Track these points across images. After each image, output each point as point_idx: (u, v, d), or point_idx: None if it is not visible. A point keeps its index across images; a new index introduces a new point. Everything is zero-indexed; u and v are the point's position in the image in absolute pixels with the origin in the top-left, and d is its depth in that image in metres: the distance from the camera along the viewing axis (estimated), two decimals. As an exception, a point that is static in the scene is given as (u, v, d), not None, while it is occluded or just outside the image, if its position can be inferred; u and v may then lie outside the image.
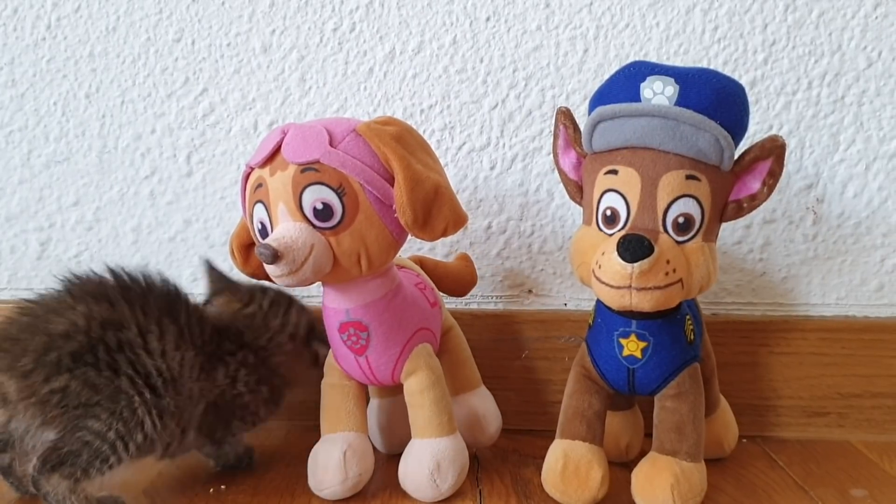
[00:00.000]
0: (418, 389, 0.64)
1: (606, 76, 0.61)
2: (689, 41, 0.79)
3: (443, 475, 0.63)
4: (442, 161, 0.66)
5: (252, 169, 0.60)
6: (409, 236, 0.61)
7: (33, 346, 0.56)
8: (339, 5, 0.80)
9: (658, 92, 0.56)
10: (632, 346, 0.61)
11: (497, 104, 0.81)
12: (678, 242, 0.57)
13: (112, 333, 0.58)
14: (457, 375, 0.73)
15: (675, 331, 0.61)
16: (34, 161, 0.84)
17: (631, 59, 0.72)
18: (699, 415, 0.62)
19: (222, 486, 0.67)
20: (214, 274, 0.72)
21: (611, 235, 0.58)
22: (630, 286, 0.55)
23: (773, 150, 0.57)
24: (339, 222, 0.58)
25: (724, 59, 0.79)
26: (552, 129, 0.74)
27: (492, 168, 0.82)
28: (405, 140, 0.59)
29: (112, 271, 0.62)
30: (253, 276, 0.65)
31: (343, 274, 0.60)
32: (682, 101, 0.56)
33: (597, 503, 0.62)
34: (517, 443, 0.77)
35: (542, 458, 0.64)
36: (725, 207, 0.59)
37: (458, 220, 0.60)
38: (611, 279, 0.56)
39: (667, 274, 0.55)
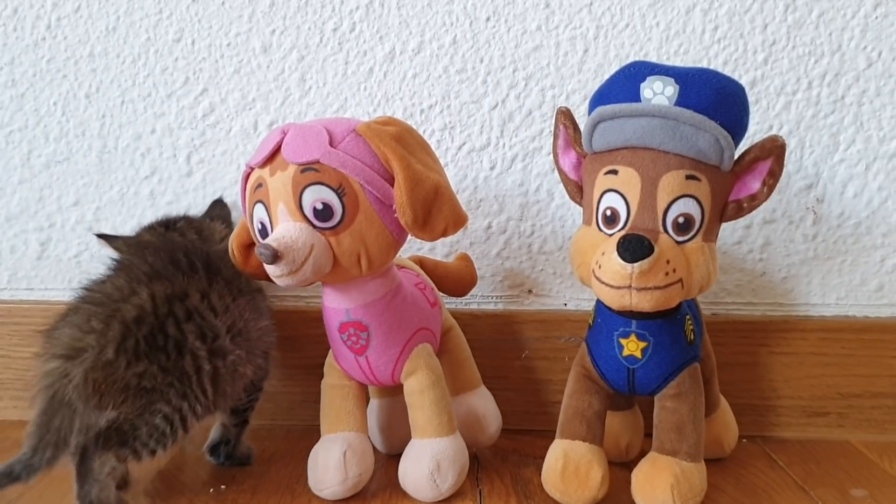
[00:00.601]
0: (418, 389, 0.64)
1: (606, 76, 0.61)
2: (689, 41, 0.79)
3: (443, 475, 0.63)
4: (442, 161, 0.66)
5: (252, 169, 0.60)
6: (409, 236, 0.61)
7: (112, 335, 0.57)
8: (339, 5, 0.80)
9: (658, 92, 0.56)
10: (632, 346, 0.61)
11: (497, 104, 0.81)
12: (678, 242, 0.57)
13: (179, 306, 0.59)
14: (457, 375, 0.73)
15: (675, 331, 0.61)
16: (34, 161, 0.84)
17: (631, 59, 0.72)
18: (699, 415, 0.62)
19: (222, 486, 0.67)
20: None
21: (611, 235, 0.58)
22: (630, 286, 0.55)
23: (773, 150, 0.57)
24: (339, 222, 0.58)
25: (724, 59, 0.79)
26: (552, 129, 0.74)
27: (492, 168, 0.82)
28: (405, 140, 0.59)
29: (145, 246, 0.64)
30: (253, 276, 0.65)
31: (343, 274, 0.60)
32: (682, 101, 0.56)
33: (597, 503, 0.62)
34: (517, 443, 0.77)
35: (542, 458, 0.64)
36: (725, 207, 0.59)
37: (458, 220, 0.60)
38: (611, 279, 0.56)
39: (667, 274, 0.55)
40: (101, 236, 0.73)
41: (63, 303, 0.70)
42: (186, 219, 0.75)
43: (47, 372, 0.57)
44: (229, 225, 0.78)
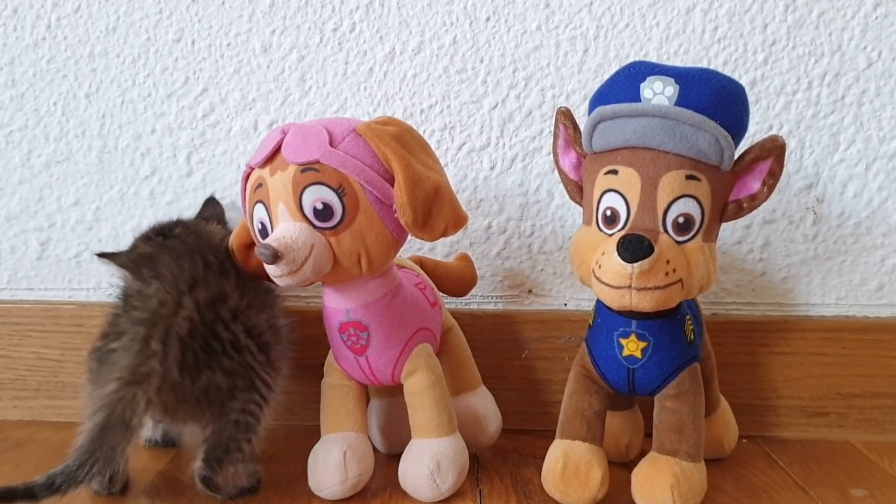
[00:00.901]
0: (418, 389, 0.64)
1: (606, 76, 0.61)
2: (689, 41, 0.79)
3: (443, 475, 0.63)
4: (442, 161, 0.66)
5: (252, 169, 0.60)
6: (409, 236, 0.61)
7: (173, 356, 0.58)
8: (339, 5, 0.80)
9: (658, 92, 0.56)
10: (632, 346, 0.61)
11: (497, 104, 0.81)
12: (678, 242, 0.57)
13: (223, 307, 0.61)
14: (457, 375, 0.73)
15: (675, 331, 0.61)
16: (34, 161, 0.84)
17: (631, 59, 0.72)
18: (699, 415, 0.62)
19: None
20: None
21: (611, 235, 0.58)
22: (630, 286, 0.55)
23: (773, 150, 0.57)
24: (339, 222, 0.58)
25: (724, 59, 0.79)
26: (552, 129, 0.74)
27: (492, 168, 0.82)
28: (405, 140, 0.59)
29: (172, 252, 0.64)
30: (253, 276, 0.65)
31: (343, 274, 0.60)
32: (682, 101, 0.56)
33: (597, 503, 0.62)
34: (517, 443, 0.77)
35: (542, 458, 0.64)
36: (725, 207, 0.59)
37: (458, 220, 0.60)
38: (611, 279, 0.56)
39: (667, 274, 0.55)
40: (102, 256, 0.69)
41: (63, 302, 0.71)
42: (182, 224, 0.73)
43: (108, 394, 0.57)
44: (225, 224, 0.77)
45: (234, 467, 0.62)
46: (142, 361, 0.58)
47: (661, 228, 0.57)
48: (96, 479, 0.60)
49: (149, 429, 0.75)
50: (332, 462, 0.63)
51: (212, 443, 0.61)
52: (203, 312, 0.60)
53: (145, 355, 0.58)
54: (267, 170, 0.59)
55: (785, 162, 0.58)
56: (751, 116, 0.60)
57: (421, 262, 0.76)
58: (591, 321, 0.65)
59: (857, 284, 0.82)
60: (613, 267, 0.55)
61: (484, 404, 0.73)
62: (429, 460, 0.63)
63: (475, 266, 0.79)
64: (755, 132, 0.79)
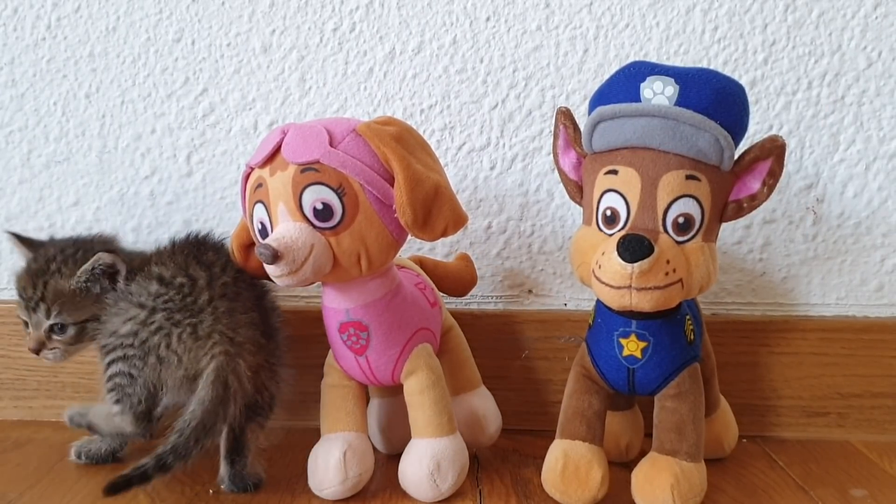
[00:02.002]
0: (418, 389, 0.64)
1: (606, 76, 0.61)
2: (689, 41, 0.79)
3: (443, 475, 0.63)
4: (442, 161, 0.66)
5: (252, 169, 0.60)
6: (409, 236, 0.61)
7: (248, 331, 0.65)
8: (339, 5, 0.80)
9: (658, 92, 0.56)
10: (632, 346, 0.61)
11: (497, 104, 0.81)
12: (678, 242, 0.57)
13: (244, 277, 0.66)
14: (457, 375, 0.73)
15: (675, 331, 0.61)
16: (34, 161, 0.84)
17: (631, 59, 0.72)
18: (699, 415, 0.62)
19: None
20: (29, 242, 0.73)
21: (611, 235, 0.58)
22: (630, 286, 0.55)
23: (773, 150, 0.57)
24: (339, 222, 0.58)
25: (724, 59, 0.79)
26: (552, 129, 0.74)
27: (492, 168, 0.82)
28: (405, 140, 0.59)
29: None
30: (253, 275, 0.65)
31: (343, 274, 0.60)
32: (682, 101, 0.56)
33: (597, 503, 0.62)
34: (517, 443, 0.77)
35: (542, 458, 0.64)
36: (725, 207, 0.59)
37: (458, 220, 0.60)
38: (611, 279, 0.56)
39: (667, 274, 0.55)
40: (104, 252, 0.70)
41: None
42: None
43: (216, 367, 0.62)
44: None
45: (255, 437, 0.67)
46: (234, 331, 0.63)
47: (661, 228, 0.57)
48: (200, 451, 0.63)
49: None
50: (332, 462, 0.63)
51: (250, 402, 0.65)
52: (226, 291, 0.65)
53: (236, 324, 0.63)
54: (267, 170, 0.59)
55: (785, 162, 0.58)
56: (751, 116, 0.60)
57: (421, 262, 0.76)
58: (591, 321, 0.65)
59: (857, 284, 0.82)
60: (613, 267, 0.55)
61: (484, 404, 0.73)
62: (429, 460, 0.63)
63: (475, 266, 0.79)
64: (755, 132, 0.79)
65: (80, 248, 0.70)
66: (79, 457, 0.71)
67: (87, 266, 0.67)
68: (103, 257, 0.67)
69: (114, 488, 0.58)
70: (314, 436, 0.67)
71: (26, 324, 0.69)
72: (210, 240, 0.69)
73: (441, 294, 0.75)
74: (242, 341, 0.63)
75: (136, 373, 0.64)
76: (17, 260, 0.85)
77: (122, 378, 0.64)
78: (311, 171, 0.57)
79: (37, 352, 0.68)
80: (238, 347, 0.63)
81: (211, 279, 0.64)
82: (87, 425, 0.71)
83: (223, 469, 0.67)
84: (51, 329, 0.68)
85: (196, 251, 0.67)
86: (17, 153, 0.84)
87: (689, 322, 0.63)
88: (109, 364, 0.65)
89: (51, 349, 0.68)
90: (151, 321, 0.62)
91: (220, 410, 0.62)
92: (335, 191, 0.57)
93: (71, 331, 0.68)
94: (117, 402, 0.65)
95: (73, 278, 0.67)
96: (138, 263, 0.68)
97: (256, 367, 0.65)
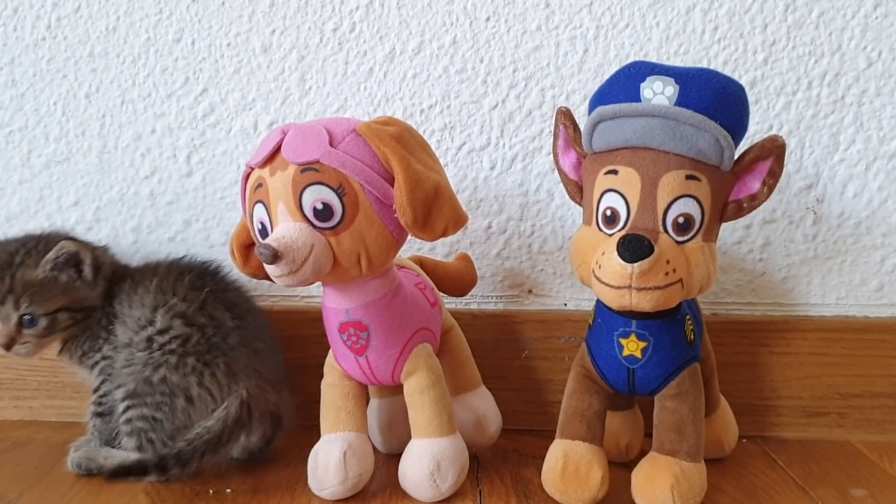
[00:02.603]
0: (418, 389, 0.64)
1: (606, 76, 0.61)
2: (689, 41, 0.79)
3: (443, 475, 0.63)
4: (442, 161, 0.66)
5: (252, 169, 0.60)
6: (409, 236, 0.61)
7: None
8: (339, 5, 0.80)
9: (658, 92, 0.56)
10: (632, 346, 0.61)
11: (497, 104, 0.81)
12: (678, 242, 0.57)
13: (258, 311, 0.74)
14: (457, 375, 0.73)
15: (675, 331, 0.61)
16: (34, 161, 0.84)
17: (631, 59, 0.72)
18: (699, 415, 0.62)
19: (225, 488, 0.67)
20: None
21: (611, 235, 0.58)
22: (630, 286, 0.55)
23: (773, 150, 0.57)
24: (339, 222, 0.58)
25: (724, 59, 0.79)
26: (552, 129, 0.74)
27: (492, 168, 0.82)
28: (405, 140, 0.59)
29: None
30: (253, 276, 0.65)
31: (343, 274, 0.60)
32: (682, 101, 0.56)
33: (597, 503, 0.62)
34: (517, 443, 0.77)
35: (542, 458, 0.64)
36: (725, 207, 0.59)
37: (458, 220, 0.60)
38: (611, 279, 0.56)
39: (667, 274, 0.55)
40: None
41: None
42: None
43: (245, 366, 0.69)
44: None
45: None
46: (263, 367, 0.70)
47: (661, 228, 0.56)
48: (235, 445, 0.68)
49: None
50: (332, 462, 0.63)
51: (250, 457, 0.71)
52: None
53: (263, 361, 0.70)
54: (267, 170, 0.59)
55: (785, 162, 0.58)
56: (751, 116, 0.60)
57: (421, 262, 0.76)
58: (591, 321, 0.65)
59: (857, 284, 0.82)
60: (613, 267, 0.55)
61: (484, 404, 0.73)
62: (429, 460, 0.63)
63: (475, 266, 0.79)
64: (755, 132, 0.79)
65: (41, 241, 0.70)
66: (78, 467, 0.70)
67: (51, 255, 0.68)
68: (67, 245, 0.68)
69: (113, 474, 0.65)
70: (314, 436, 0.67)
71: None
72: (221, 271, 0.73)
73: (441, 294, 0.75)
74: (270, 378, 0.70)
75: (161, 416, 0.66)
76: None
77: (143, 422, 0.67)
78: (311, 171, 0.57)
79: (7, 347, 0.68)
80: (265, 383, 0.69)
81: (236, 319, 0.69)
82: (99, 470, 0.69)
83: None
84: (20, 322, 0.68)
85: (214, 287, 0.70)
86: (17, 153, 0.84)
87: (689, 322, 0.63)
88: (128, 408, 0.67)
89: (22, 343, 0.68)
90: (182, 364, 0.66)
91: (237, 433, 0.67)
92: (335, 191, 0.57)
93: (42, 322, 0.68)
94: (139, 448, 0.67)
95: (39, 268, 0.67)
96: (138, 277, 0.71)
97: (277, 402, 0.71)
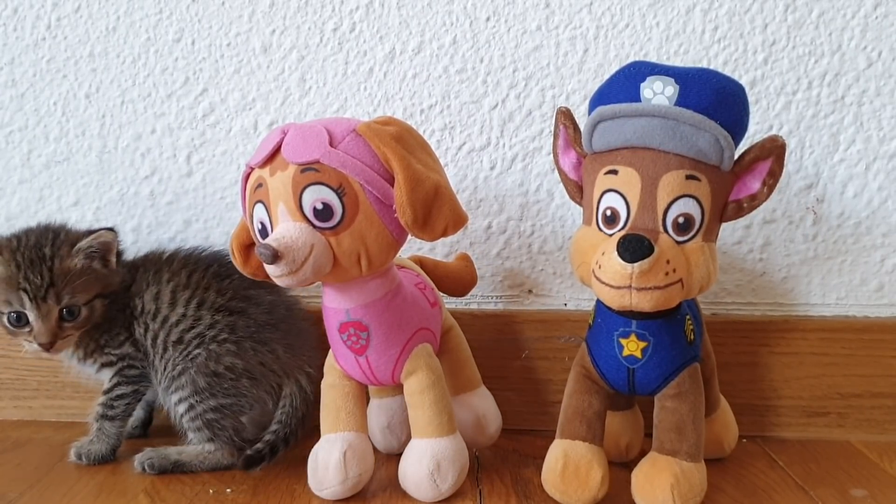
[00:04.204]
0: (418, 389, 0.64)
1: (606, 76, 0.61)
2: (689, 41, 0.79)
3: (443, 475, 0.63)
4: (442, 161, 0.66)
5: (252, 169, 0.60)
6: (409, 236, 0.61)
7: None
8: (339, 5, 0.80)
9: (658, 92, 0.56)
10: (632, 346, 0.61)
11: (497, 104, 0.81)
12: (678, 242, 0.57)
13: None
14: (457, 375, 0.73)
15: (675, 331, 0.61)
16: (34, 161, 0.84)
17: (631, 59, 0.72)
18: (699, 415, 0.62)
19: (226, 488, 0.67)
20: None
21: (611, 235, 0.58)
22: (630, 286, 0.55)
23: (773, 150, 0.57)
24: (339, 222, 0.58)
25: (724, 59, 0.79)
26: (552, 129, 0.74)
27: (492, 168, 0.82)
28: (405, 140, 0.59)
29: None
30: (253, 276, 0.65)
31: (343, 274, 0.60)
32: (682, 101, 0.56)
33: (597, 503, 0.62)
34: (517, 443, 0.77)
35: (542, 458, 0.64)
36: (725, 207, 0.59)
37: (458, 220, 0.60)
38: (611, 279, 0.56)
39: (667, 274, 0.55)
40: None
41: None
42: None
43: (301, 365, 0.73)
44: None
45: None
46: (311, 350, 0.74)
47: (661, 228, 0.56)
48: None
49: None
50: (332, 462, 0.63)
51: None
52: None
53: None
54: (267, 170, 0.58)
55: (785, 162, 0.58)
56: (751, 116, 0.60)
57: (421, 262, 0.76)
58: (591, 321, 0.65)
59: (857, 284, 0.82)
60: (613, 267, 0.55)
61: (484, 404, 0.73)
62: (429, 460, 0.63)
63: (475, 266, 0.79)
64: (755, 132, 0.79)
65: (53, 231, 0.70)
66: (79, 458, 0.71)
67: (84, 243, 0.68)
68: (105, 235, 0.69)
69: (248, 464, 0.68)
70: (314, 436, 0.67)
71: (19, 320, 0.67)
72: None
73: (441, 294, 0.75)
74: (314, 362, 0.73)
75: (230, 401, 0.69)
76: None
77: (214, 413, 0.69)
78: (311, 171, 0.57)
79: (51, 345, 0.67)
80: (311, 367, 0.73)
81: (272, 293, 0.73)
82: (174, 467, 0.70)
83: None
84: (60, 316, 0.67)
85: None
86: (17, 153, 0.84)
87: (689, 322, 0.63)
88: (192, 406, 0.69)
89: (64, 338, 0.68)
90: (241, 349, 0.69)
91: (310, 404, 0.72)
92: (335, 191, 0.57)
93: (83, 312, 0.68)
94: (211, 440, 0.69)
95: (74, 257, 0.68)
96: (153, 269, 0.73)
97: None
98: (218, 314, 0.70)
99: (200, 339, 0.69)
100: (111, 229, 0.70)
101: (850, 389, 0.80)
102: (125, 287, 0.71)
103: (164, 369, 0.70)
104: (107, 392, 0.72)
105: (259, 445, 0.69)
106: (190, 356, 0.69)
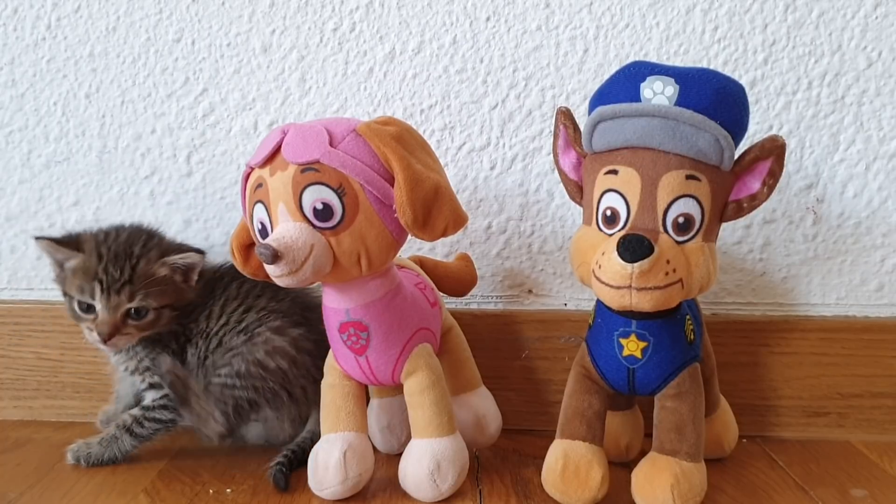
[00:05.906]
0: (418, 389, 0.64)
1: (606, 76, 0.61)
2: (689, 41, 0.79)
3: (443, 475, 0.63)
4: (442, 161, 0.66)
5: (252, 169, 0.60)
6: (409, 236, 0.61)
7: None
8: (339, 5, 0.80)
9: (658, 92, 0.56)
10: (632, 346, 0.61)
11: (497, 104, 0.81)
12: (678, 242, 0.57)
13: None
14: (457, 375, 0.73)
15: (675, 331, 0.61)
16: (34, 161, 0.84)
17: (631, 59, 0.72)
18: (699, 415, 0.62)
19: (226, 488, 0.67)
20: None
21: (611, 235, 0.58)
22: (630, 286, 0.55)
23: (773, 150, 0.57)
24: (339, 222, 0.58)
25: (724, 59, 0.79)
26: (552, 129, 0.74)
27: (492, 168, 0.82)
28: (405, 140, 0.59)
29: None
30: (253, 276, 0.65)
31: (343, 274, 0.60)
32: (682, 101, 0.56)
33: (597, 503, 0.62)
34: (517, 443, 0.77)
35: (542, 458, 0.64)
36: (725, 207, 0.59)
37: (458, 220, 0.60)
38: (611, 279, 0.56)
39: (667, 274, 0.55)
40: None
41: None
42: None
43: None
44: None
45: None
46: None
47: (661, 228, 0.57)
48: None
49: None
50: (333, 462, 0.63)
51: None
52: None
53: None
54: (267, 170, 0.59)
55: (785, 162, 0.58)
56: (751, 116, 0.60)
57: (421, 262, 0.76)
58: (591, 321, 0.65)
59: (857, 284, 0.82)
60: (613, 267, 0.55)
61: (484, 404, 0.73)
62: (429, 460, 0.63)
63: (475, 266, 0.79)
64: (755, 132, 0.79)
65: (147, 235, 0.72)
66: (77, 461, 0.71)
67: (176, 258, 0.70)
68: (194, 257, 0.71)
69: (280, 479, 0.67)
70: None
71: (87, 309, 0.68)
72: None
73: (441, 294, 0.75)
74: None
75: (260, 400, 0.70)
76: (17, 260, 0.85)
77: (243, 402, 0.70)
78: (311, 171, 0.57)
79: (110, 336, 0.68)
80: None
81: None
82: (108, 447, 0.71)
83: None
84: (126, 313, 0.68)
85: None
86: (17, 153, 0.84)
87: (689, 322, 0.63)
88: (233, 387, 0.70)
89: (124, 334, 0.69)
90: (299, 362, 0.71)
91: None
92: (335, 191, 0.57)
93: (150, 315, 0.69)
94: (224, 413, 0.70)
95: (161, 266, 0.69)
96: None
97: None
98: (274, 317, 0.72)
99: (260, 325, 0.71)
100: (201, 252, 0.71)
101: (851, 389, 0.80)
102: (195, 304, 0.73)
103: (212, 361, 0.72)
104: (146, 408, 0.72)
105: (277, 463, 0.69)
106: (251, 338, 0.71)
